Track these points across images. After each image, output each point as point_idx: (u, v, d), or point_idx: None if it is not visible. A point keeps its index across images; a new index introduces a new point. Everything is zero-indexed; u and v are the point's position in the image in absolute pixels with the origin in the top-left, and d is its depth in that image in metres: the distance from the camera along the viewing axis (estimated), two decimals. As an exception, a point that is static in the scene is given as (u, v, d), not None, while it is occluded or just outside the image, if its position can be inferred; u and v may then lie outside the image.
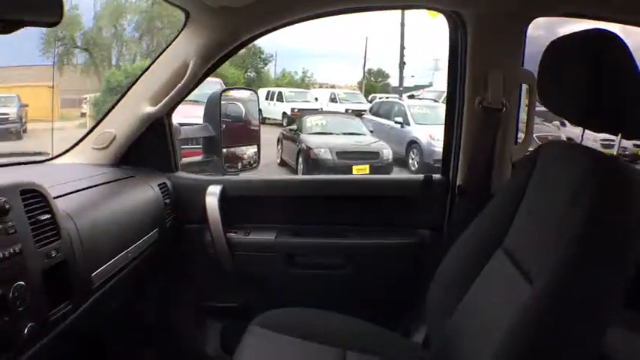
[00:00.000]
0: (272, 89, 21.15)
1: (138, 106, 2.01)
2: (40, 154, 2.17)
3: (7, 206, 1.19)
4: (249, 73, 26.80)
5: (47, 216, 1.32)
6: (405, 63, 23.59)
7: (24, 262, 1.21)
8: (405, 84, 24.02)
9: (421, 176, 2.13)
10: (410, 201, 2.12)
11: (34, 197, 1.31)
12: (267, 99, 20.27)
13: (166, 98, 1.97)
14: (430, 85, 23.08)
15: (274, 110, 19.09)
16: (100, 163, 2.04)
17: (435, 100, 14.03)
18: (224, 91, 2.48)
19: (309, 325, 1.73)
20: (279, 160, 11.99)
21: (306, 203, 2.15)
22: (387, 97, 17.23)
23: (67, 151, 2.10)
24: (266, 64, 28.02)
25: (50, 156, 2.10)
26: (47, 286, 1.28)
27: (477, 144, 1.96)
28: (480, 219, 1.63)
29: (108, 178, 1.86)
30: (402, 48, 23.49)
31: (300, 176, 2.55)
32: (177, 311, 2.24)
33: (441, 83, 19.36)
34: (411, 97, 17.31)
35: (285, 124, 15.93)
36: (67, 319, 1.37)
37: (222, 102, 2.34)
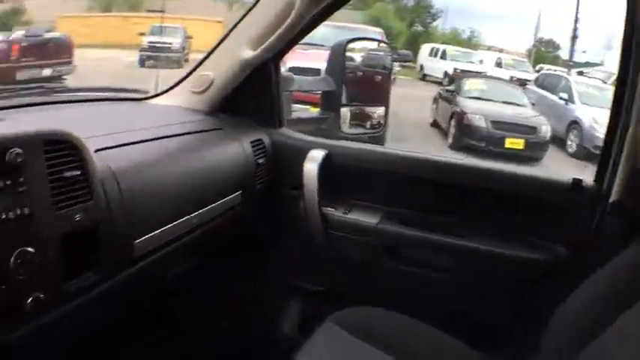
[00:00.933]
0: (436, 46, 20.58)
1: (238, 49, 1.74)
2: (139, 91, 1.99)
3: (19, 160, 0.98)
4: (415, 27, 26.22)
5: (76, 172, 1.09)
6: (577, 36, 21.78)
7: (33, 225, 1.00)
8: (576, 59, 22.38)
9: (568, 179, 1.66)
10: (550, 208, 1.67)
11: (62, 149, 1.08)
12: (430, 55, 19.69)
13: (268, 42, 1.69)
14: (601, 64, 21.21)
15: (436, 67, 18.60)
16: (196, 108, 1.81)
17: (604, 82, 12.68)
18: (350, 40, 2.16)
19: (390, 334, 1.44)
20: (431, 120, 11.53)
21: (423, 187, 1.77)
22: (555, 70, 15.96)
23: (166, 91, 1.90)
24: (434, 20, 27.24)
25: (148, 95, 1.92)
26: (69, 253, 1.08)
27: None
28: (636, 248, 1.21)
29: (191, 128, 1.63)
30: (576, 20, 21.62)
31: (422, 153, 2.17)
32: (257, 283, 2.00)
33: (611, 64, 17.59)
34: (580, 73, 15.99)
35: (445, 83, 15.35)
36: (93, 290, 1.16)
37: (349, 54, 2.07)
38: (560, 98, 11.42)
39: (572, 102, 11.09)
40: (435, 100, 11.61)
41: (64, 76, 9.03)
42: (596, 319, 1.16)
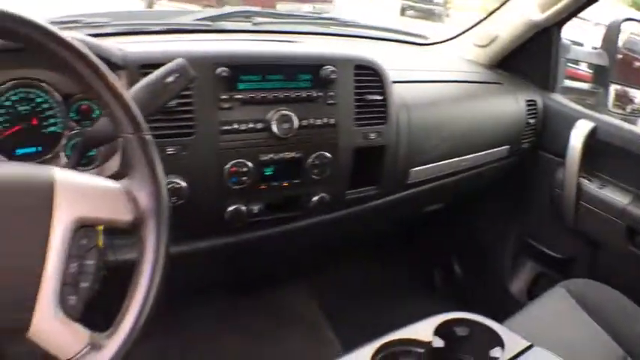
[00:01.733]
0: None
1: (526, 9, 1.77)
2: (421, 36, 2.13)
3: (332, 76, 1.17)
4: None
5: (378, 97, 1.27)
6: None
7: (335, 135, 1.20)
8: None
9: None
10: None
11: (368, 75, 1.26)
12: None
13: (557, 6, 1.70)
14: None
15: None
16: (476, 61, 1.91)
17: None
18: (626, 19, 2.06)
19: (617, 316, 1.42)
20: None
21: None
22: None
23: (447, 40, 2.01)
24: None
25: (430, 41, 2.06)
26: (357, 165, 1.27)
27: None
28: None
29: (473, 77, 1.73)
30: None
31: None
32: (496, 238, 2.08)
33: None
34: None
35: None
36: (366, 203, 1.35)
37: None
38: None
39: None
40: None
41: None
42: None
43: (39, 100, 1.02)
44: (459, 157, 1.56)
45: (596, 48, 2.09)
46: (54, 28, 0.69)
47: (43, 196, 0.68)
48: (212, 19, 1.53)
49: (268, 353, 1.76)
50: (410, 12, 13.64)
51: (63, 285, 0.69)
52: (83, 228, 0.70)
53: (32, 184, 0.69)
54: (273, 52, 1.21)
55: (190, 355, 1.68)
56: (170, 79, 0.84)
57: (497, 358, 0.89)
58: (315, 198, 1.21)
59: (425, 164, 1.44)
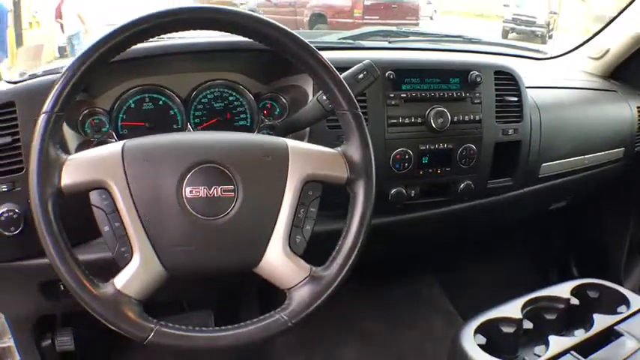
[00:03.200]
0: None
1: (635, 23, 1.91)
2: (539, 52, 2.29)
3: (478, 80, 1.37)
4: None
5: (514, 98, 1.45)
6: None
7: (480, 130, 1.39)
8: None
9: None
10: None
11: (506, 79, 1.45)
12: None
13: None
14: None
15: None
16: (591, 72, 2.04)
17: None
18: None
19: None
20: None
21: None
22: None
23: (563, 54, 2.16)
24: None
25: (547, 56, 2.21)
26: (497, 157, 1.44)
27: None
28: None
29: (590, 85, 1.88)
30: None
31: None
32: (612, 238, 2.18)
33: None
34: None
35: None
36: (503, 193, 1.52)
37: None
38: None
39: None
40: None
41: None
42: None
43: (231, 98, 1.28)
44: (581, 155, 1.70)
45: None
46: (292, 32, 0.92)
47: (282, 157, 0.89)
48: (353, 37, 1.75)
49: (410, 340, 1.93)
50: (512, 34, 13.60)
51: (292, 226, 0.89)
52: (310, 182, 0.90)
53: (274, 147, 0.91)
54: (430, 60, 1.43)
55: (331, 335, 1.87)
56: (360, 76, 1.04)
57: (623, 313, 1.03)
58: (462, 185, 1.39)
59: (553, 160, 1.60)
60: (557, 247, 2.28)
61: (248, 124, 1.29)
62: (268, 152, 0.90)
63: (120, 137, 1.19)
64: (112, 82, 1.19)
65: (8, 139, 1.03)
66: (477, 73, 1.37)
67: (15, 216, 1.02)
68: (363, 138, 0.93)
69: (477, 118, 1.38)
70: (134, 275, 0.83)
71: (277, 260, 0.88)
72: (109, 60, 0.84)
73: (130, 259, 0.83)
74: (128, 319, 0.81)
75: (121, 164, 0.83)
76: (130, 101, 1.21)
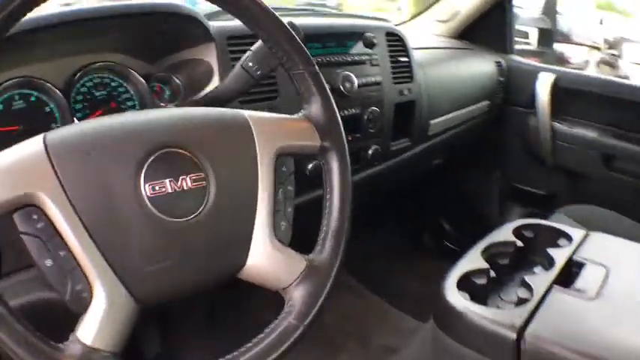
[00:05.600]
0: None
1: None
2: (384, 19, 2.35)
3: (374, 41, 1.36)
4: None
5: (405, 59, 1.47)
6: None
7: (381, 92, 1.38)
8: None
9: None
10: None
11: (396, 41, 1.46)
12: None
13: None
14: None
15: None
16: (440, 34, 2.14)
17: None
18: None
19: (608, 227, 1.65)
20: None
21: (638, 110, 1.99)
22: None
23: (410, 20, 2.24)
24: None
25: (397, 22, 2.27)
26: (395, 118, 1.45)
27: None
28: None
29: (451, 44, 1.97)
30: None
31: (636, 83, 2.33)
32: (481, 185, 2.33)
33: None
34: None
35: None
36: (403, 154, 1.54)
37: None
38: None
39: None
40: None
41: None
42: None
43: (114, 84, 1.05)
44: (458, 110, 1.79)
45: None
46: None
47: (245, 131, 0.74)
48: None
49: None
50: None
51: (274, 212, 0.74)
52: (281, 156, 0.77)
53: (233, 120, 0.76)
54: (329, 24, 1.39)
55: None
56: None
57: (567, 245, 1.09)
58: (371, 150, 1.38)
59: (439, 117, 1.65)
60: (433, 207, 2.38)
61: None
62: (229, 126, 0.75)
63: None
64: None
65: None
66: (372, 34, 1.36)
67: None
68: (326, 97, 0.82)
69: (378, 80, 1.38)
70: (103, 320, 0.61)
71: (266, 256, 0.73)
72: None
73: (91, 299, 0.62)
74: None
75: (49, 166, 0.61)
76: None
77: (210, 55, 1.08)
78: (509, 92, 2.14)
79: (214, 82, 1.04)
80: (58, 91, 0.97)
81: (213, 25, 1.09)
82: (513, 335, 0.81)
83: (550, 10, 2.37)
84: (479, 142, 2.18)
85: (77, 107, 1.00)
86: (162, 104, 1.08)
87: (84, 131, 0.67)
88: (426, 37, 2.07)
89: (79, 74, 0.99)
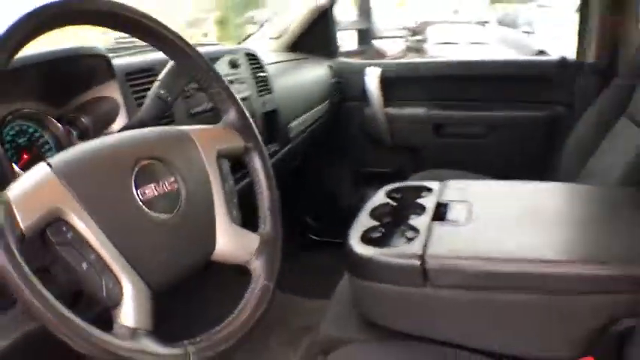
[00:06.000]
0: None
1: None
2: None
3: (238, 62, 1.57)
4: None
5: (263, 74, 1.69)
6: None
7: (251, 105, 1.59)
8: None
9: (557, 57, 2.31)
10: (546, 79, 2.31)
11: (254, 59, 1.68)
12: None
13: None
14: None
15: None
16: (274, 50, 2.39)
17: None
18: None
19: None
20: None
21: (453, 82, 2.40)
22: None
23: (244, 40, 2.48)
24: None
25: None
26: (263, 127, 1.66)
27: (607, 25, 2.11)
28: (604, 93, 1.87)
29: (289, 57, 2.23)
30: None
31: (447, 59, 2.80)
32: (337, 176, 2.62)
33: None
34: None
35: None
36: (273, 157, 1.75)
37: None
38: (523, 31, 11.77)
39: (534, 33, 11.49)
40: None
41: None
42: (589, 144, 1.77)
43: (31, 130, 1.10)
44: (307, 112, 2.06)
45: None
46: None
47: (190, 142, 0.90)
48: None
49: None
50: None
51: (226, 202, 0.90)
52: (220, 158, 0.93)
53: (179, 133, 0.91)
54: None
55: None
56: None
57: (428, 196, 1.37)
58: None
59: (293, 120, 1.91)
60: (298, 205, 2.62)
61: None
62: (178, 139, 0.91)
63: None
64: None
65: None
66: (236, 56, 1.57)
67: None
68: (239, 106, 1.00)
69: (247, 95, 1.58)
70: (135, 307, 0.74)
71: (228, 238, 0.90)
72: None
73: (122, 292, 0.74)
74: (166, 356, 0.74)
75: (61, 185, 0.72)
76: None
77: (114, 91, 1.19)
78: (344, 90, 2.45)
79: (122, 116, 1.17)
80: None
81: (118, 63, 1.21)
82: (417, 262, 1.06)
83: (365, 12, 2.71)
84: (329, 139, 2.47)
85: (9, 154, 1.07)
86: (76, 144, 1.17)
87: (78, 155, 0.79)
88: (265, 53, 2.31)
89: (2, 124, 1.06)
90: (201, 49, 1.39)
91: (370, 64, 2.42)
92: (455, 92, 2.40)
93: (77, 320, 0.67)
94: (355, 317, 1.22)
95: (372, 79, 2.35)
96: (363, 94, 2.39)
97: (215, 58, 1.52)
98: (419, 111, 2.37)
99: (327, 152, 2.54)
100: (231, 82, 1.52)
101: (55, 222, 0.70)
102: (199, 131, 0.95)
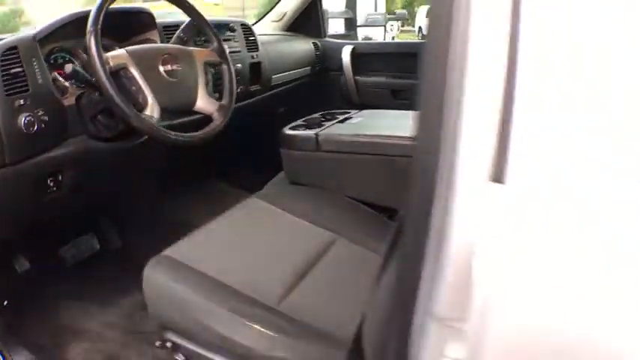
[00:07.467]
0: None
1: None
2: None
3: (235, 28, 2.36)
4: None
5: (252, 38, 2.47)
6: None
7: (241, 56, 2.36)
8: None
9: None
10: None
11: (247, 29, 2.47)
12: (427, 17, 19.71)
13: None
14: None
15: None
16: (274, 29, 3.18)
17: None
18: None
19: None
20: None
21: (407, 58, 3.05)
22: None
23: (254, 24, 3.27)
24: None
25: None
26: (250, 72, 2.43)
27: None
28: None
29: (284, 33, 3.04)
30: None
31: (404, 41, 3.55)
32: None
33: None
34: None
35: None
36: (257, 95, 2.53)
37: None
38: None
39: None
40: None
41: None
42: None
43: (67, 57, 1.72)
44: (289, 71, 2.84)
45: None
46: None
47: (191, 55, 1.70)
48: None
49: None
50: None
51: (205, 84, 1.69)
52: (206, 65, 1.74)
53: (186, 50, 1.72)
54: (214, 19, 2.35)
55: None
56: None
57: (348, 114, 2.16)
58: (238, 90, 2.34)
59: (279, 73, 2.70)
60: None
61: None
62: (184, 52, 1.70)
63: None
64: None
65: (19, 69, 1.43)
66: (234, 25, 2.36)
67: (32, 119, 1.41)
68: (219, 38, 1.81)
69: (238, 49, 2.35)
70: (154, 110, 1.51)
71: (204, 100, 1.68)
72: None
73: (146, 105, 1.51)
74: (162, 129, 1.51)
75: (129, 56, 1.51)
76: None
77: (155, 35, 1.95)
78: (325, 62, 3.22)
79: None
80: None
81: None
82: (314, 135, 1.88)
83: (351, 4, 3.50)
84: (311, 97, 3.22)
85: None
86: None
87: (138, 47, 1.62)
88: (266, 30, 3.12)
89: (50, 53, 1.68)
90: (209, 18, 2.22)
91: (345, 44, 3.19)
92: (408, 65, 3.11)
93: (123, 98, 1.46)
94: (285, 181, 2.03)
95: (345, 55, 3.12)
96: (339, 66, 3.15)
97: (218, 23, 2.30)
98: (381, 79, 3.11)
99: (307, 105, 3.10)
100: (228, 39, 2.32)
101: (122, 69, 1.51)
102: (197, 51, 1.75)
